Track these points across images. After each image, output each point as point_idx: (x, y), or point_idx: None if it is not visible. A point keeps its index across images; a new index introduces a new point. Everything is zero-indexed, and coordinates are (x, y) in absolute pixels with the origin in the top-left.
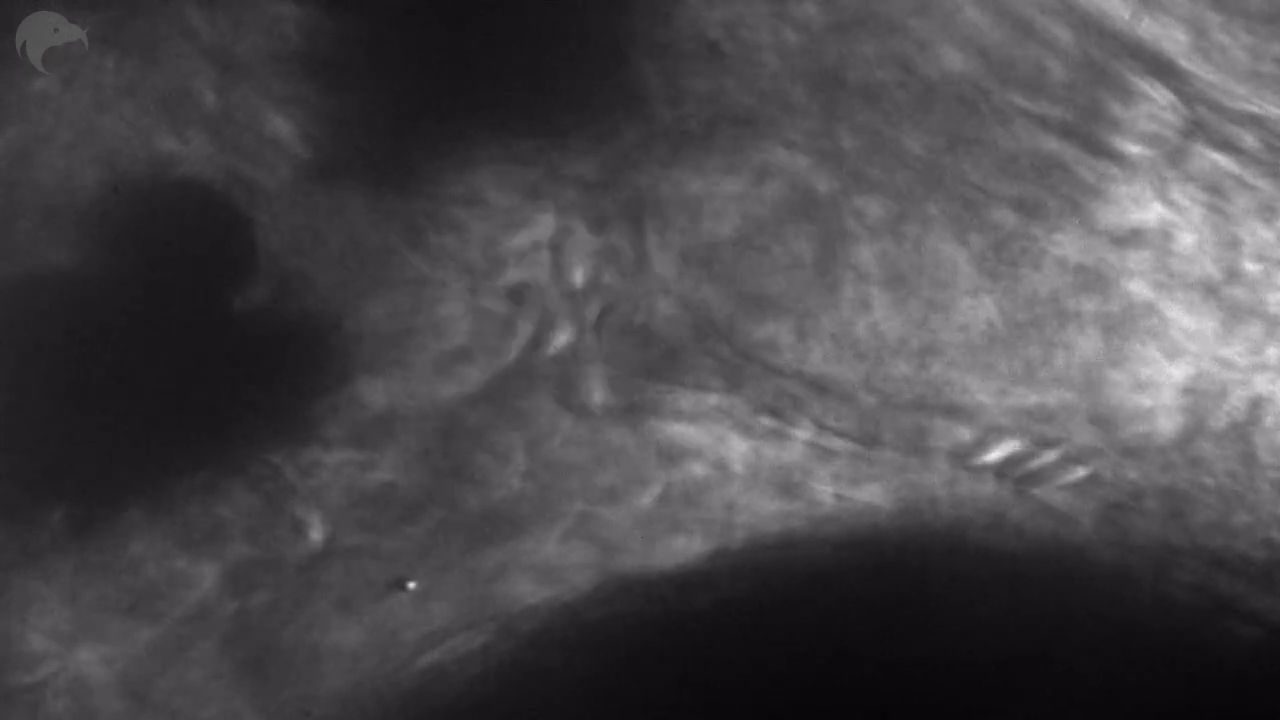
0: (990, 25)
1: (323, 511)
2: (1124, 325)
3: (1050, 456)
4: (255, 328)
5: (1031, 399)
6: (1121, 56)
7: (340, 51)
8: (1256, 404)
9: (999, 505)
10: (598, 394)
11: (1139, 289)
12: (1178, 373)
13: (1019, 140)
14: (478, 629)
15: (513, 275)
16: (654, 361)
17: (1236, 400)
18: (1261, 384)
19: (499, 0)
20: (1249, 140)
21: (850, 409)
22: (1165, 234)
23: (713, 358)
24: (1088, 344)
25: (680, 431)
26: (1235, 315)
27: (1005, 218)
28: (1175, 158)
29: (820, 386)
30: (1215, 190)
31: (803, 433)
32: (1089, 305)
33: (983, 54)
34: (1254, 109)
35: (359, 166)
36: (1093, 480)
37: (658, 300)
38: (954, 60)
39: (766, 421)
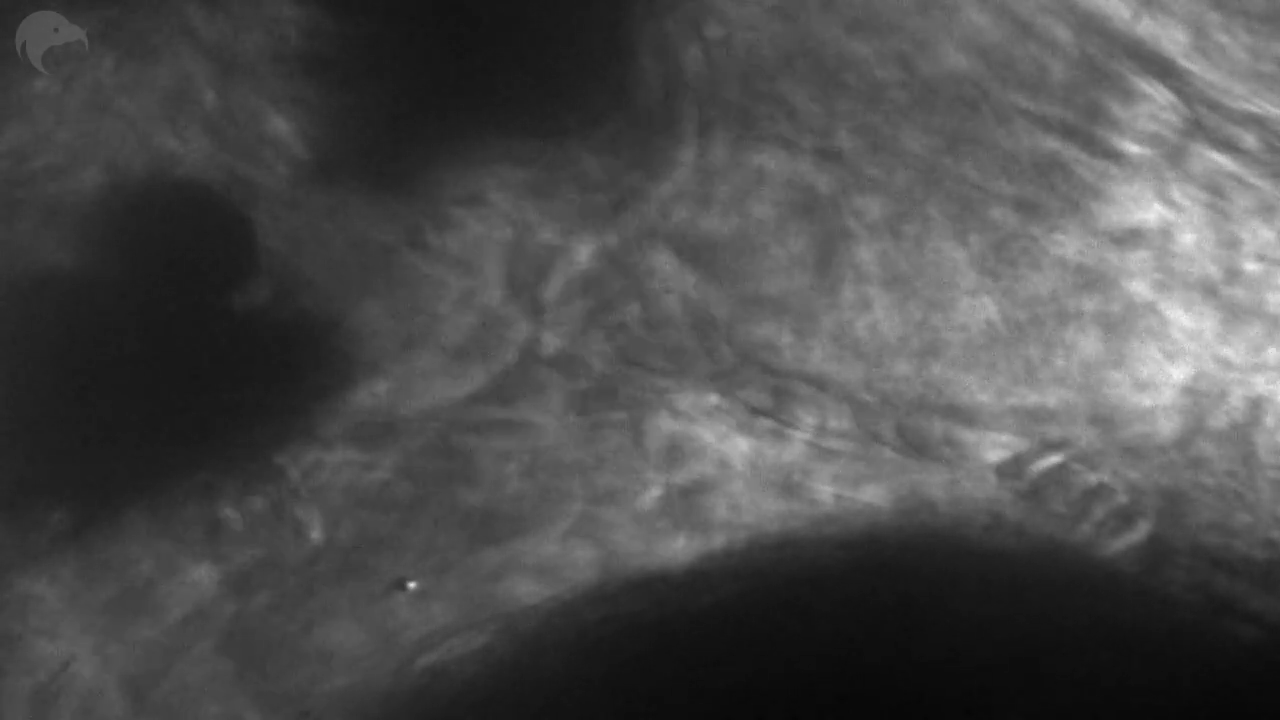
0: (990, 25)
1: (323, 511)
2: (1124, 325)
3: (1050, 457)
4: (255, 328)
5: (1031, 399)
6: (1121, 56)
7: (340, 51)
8: (1256, 404)
9: (998, 505)
10: (597, 394)
11: (1139, 289)
12: (1178, 373)
13: (1019, 140)
14: (478, 629)
15: (513, 275)
16: (654, 361)
17: (1236, 400)
18: (1261, 384)
19: (499, 0)
20: (1249, 140)
21: (850, 409)
22: (1165, 234)
23: (712, 358)
24: (1088, 344)
25: (680, 431)
26: (1235, 315)
27: (1005, 218)
28: (1175, 158)
29: (820, 386)
30: (1215, 190)
31: (803, 433)
32: (1089, 305)
33: (983, 54)
34: (1254, 109)
35: (359, 166)
36: (1092, 480)
37: (657, 300)
38: (954, 60)
39: (766, 421)
